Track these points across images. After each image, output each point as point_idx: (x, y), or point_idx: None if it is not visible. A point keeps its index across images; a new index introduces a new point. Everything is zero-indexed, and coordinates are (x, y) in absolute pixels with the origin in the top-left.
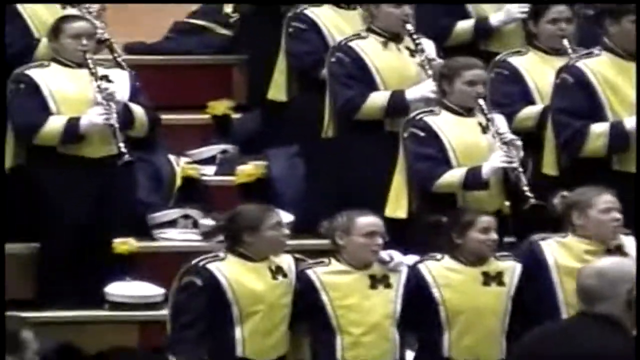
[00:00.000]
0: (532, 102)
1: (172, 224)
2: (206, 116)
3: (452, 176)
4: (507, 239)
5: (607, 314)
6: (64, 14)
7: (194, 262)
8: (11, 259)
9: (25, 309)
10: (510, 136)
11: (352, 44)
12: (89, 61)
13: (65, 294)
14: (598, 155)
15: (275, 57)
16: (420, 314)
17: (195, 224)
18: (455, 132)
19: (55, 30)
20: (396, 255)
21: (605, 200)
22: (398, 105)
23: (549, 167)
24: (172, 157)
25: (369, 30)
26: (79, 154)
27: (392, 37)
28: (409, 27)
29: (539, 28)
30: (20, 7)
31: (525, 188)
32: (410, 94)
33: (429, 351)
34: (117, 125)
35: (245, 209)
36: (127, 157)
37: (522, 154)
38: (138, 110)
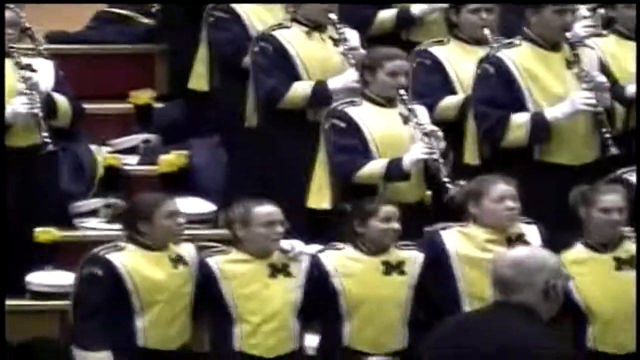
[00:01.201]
0: (453, 92)
1: (94, 213)
2: (128, 106)
3: (373, 168)
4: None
5: (523, 303)
6: None
7: (93, 252)
8: None
9: None
10: (430, 127)
11: (276, 33)
12: (13, 50)
13: None
14: (519, 145)
15: (197, 46)
16: (321, 303)
17: None
18: (377, 123)
19: None
20: (297, 244)
21: (498, 189)
22: (321, 95)
23: (471, 157)
24: (94, 147)
25: (293, 19)
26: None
27: (316, 26)
28: (333, 16)
29: (460, 18)
30: None
31: (445, 179)
32: (333, 83)
33: (330, 340)
34: (41, 114)
35: (139, 199)
36: (50, 147)
37: (443, 144)
38: (62, 100)
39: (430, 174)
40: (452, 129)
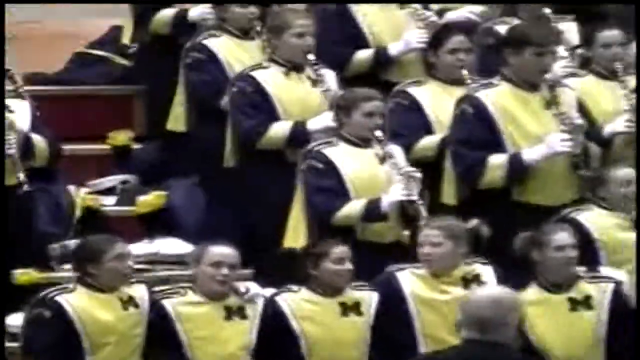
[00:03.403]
0: (431, 132)
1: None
2: (106, 147)
3: (352, 208)
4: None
5: (500, 341)
6: None
7: (42, 294)
8: None
9: None
10: (408, 169)
11: (254, 73)
12: None
13: None
14: (496, 186)
15: (174, 87)
16: (278, 346)
17: None
18: (353, 163)
19: None
20: (253, 287)
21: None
22: (299, 135)
23: (448, 196)
24: (71, 188)
25: (271, 60)
26: None
27: (294, 66)
28: (311, 56)
29: (438, 58)
30: None
31: (425, 220)
32: (312, 124)
33: None
34: (16, 155)
35: (88, 241)
36: (26, 187)
37: (420, 186)
38: (39, 140)
39: (408, 215)
40: (428, 168)
